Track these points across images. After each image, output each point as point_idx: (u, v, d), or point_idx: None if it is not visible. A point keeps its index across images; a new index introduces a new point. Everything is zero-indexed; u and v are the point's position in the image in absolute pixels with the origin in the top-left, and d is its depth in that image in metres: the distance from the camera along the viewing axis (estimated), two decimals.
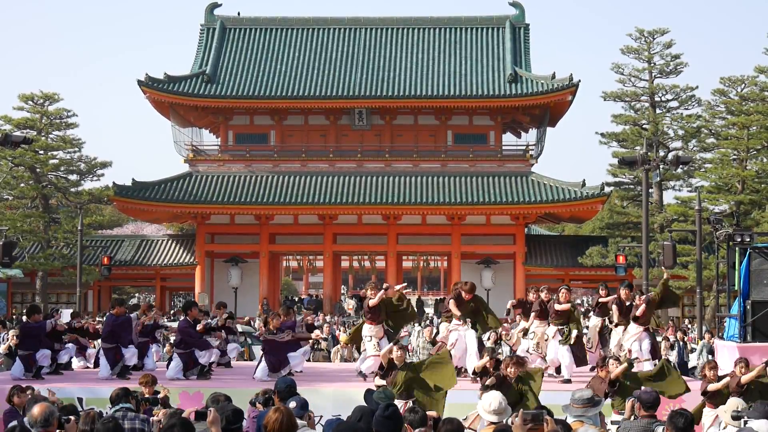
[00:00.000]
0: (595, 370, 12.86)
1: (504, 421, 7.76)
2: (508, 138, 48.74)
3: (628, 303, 16.53)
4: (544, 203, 42.50)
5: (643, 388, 11.20)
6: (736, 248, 16.46)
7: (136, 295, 58.84)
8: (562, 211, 43.72)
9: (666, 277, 16.85)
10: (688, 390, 13.08)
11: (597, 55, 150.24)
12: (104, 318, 20.03)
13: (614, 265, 39.61)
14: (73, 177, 44.00)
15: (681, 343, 25.08)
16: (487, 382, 11.65)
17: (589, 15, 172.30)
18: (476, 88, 44.81)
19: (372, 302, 15.46)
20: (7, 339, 20.80)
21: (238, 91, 45.01)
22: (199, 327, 16.31)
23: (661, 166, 30.19)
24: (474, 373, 14.26)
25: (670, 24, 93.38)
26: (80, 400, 13.92)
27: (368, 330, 15.72)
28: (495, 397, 7.95)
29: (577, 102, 70.00)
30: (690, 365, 24.09)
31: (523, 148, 46.24)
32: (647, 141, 35.84)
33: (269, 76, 46.02)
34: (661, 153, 39.98)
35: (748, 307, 15.56)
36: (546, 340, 16.24)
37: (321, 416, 13.17)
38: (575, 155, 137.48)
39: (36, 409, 7.00)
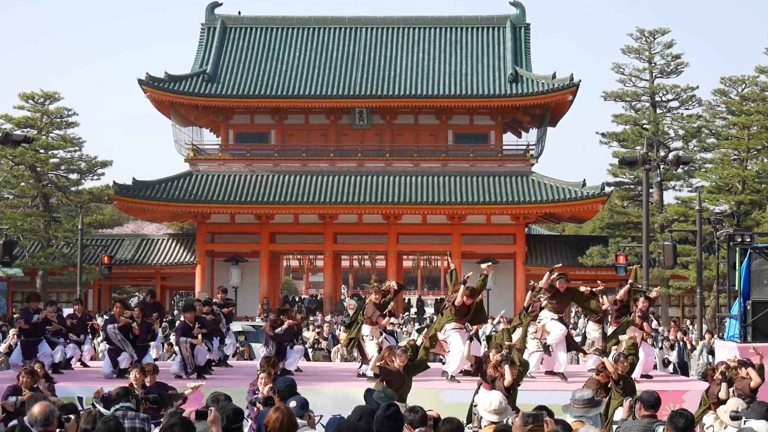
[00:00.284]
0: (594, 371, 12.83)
1: (504, 420, 7.76)
2: (508, 138, 48.78)
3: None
4: (544, 203, 42.50)
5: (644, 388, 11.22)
6: (737, 248, 16.45)
7: (137, 294, 58.85)
8: (563, 211, 43.72)
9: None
10: None
11: (597, 55, 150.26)
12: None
13: (614, 265, 39.60)
14: (74, 176, 44.02)
15: (681, 343, 25.09)
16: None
17: (590, 15, 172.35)
18: (477, 87, 44.81)
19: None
20: (8, 338, 20.81)
21: (239, 91, 45.02)
22: (194, 331, 16.30)
23: (661, 166, 30.20)
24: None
25: (671, 24, 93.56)
26: (80, 399, 13.92)
27: (368, 330, 15.85)
28: (495, 397, 7.96)
29: (577, 102, 70.09)
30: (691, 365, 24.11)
31: (524, 147, 46.25)
32: (648, 141, 35.80)
33: (270, 75, 46.03)
34: (662, 153, 39.92)
35: (749, 307, 15.55)
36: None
37: (321, 416, 13.19)
38: (575, 155, 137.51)
39: (36, 408, 7.01)
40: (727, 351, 15.75)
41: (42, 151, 42.53)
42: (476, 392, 12.56)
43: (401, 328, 30.29)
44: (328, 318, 35.67)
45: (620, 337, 15.74)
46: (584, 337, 18.82)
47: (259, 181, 44.32)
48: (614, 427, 10.51)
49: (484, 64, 46.26)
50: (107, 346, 16.45)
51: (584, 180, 42.44)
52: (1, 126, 41.25)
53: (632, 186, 45.44)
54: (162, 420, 8.81)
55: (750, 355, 13.73)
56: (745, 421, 8.39)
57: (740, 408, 8.98)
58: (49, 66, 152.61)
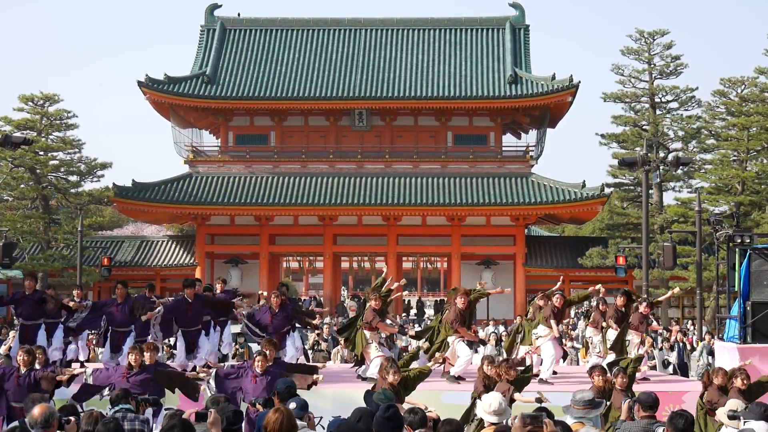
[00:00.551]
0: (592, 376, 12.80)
1: (504, 422, 7.76)
2: (508, 139, 48.80)
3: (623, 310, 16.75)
4: (544, 204, 42.51)
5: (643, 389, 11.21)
6: (736, 249, 16.43)
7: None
8: (562, 212, 43.72)
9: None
10: None
11: (597, 56, 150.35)
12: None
13: (614, 266, 39.62)
14: (73, 178, 44.02)
15: (681, 344, 25.09)
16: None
17: (589, 16, 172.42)
18: (476, 89, 44.83)
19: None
20: (8, 340, 20.78)
21: (239, 92, 45.03)
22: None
23: (661, 167, 30.24)
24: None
25: (670, 25, 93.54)
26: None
27: (369, 336, 15.91)
28: (495, 398, 7.96)
29: (577, 103, 70.05)
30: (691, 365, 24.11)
31: (523, 149, 46.25)
32: (647, 142, 35.81)
33: (269, 77, 46.05)
34: (661, 154, 39.96)
35: (748, 308, 15.54)
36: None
37: (321, 417, 13.18)
38: (575, 156, 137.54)
39: (36, 410, 7.01)
40: (726, 352, 15.75)
41: (41, 153, 42.52)
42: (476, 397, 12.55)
43: (403, 331, 30.21)
44: (327, 320, 35.63)
45: (627, 338, 15.85)
46: (586, 342, 18.85)
47: (258, 182, 44.33)
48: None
49: (483, 66, 46.28)
50: (109, 327, 16.38)
51: (584, 181, 42.45)
52: (0, 128, 41.25)
53: (632, 187, 45.46)
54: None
55: (749, 360, 13.74)
56: (744, 422, 8.38)
57: (738, 408, 8.97)
58: (48, 67, 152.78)
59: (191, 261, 45.06)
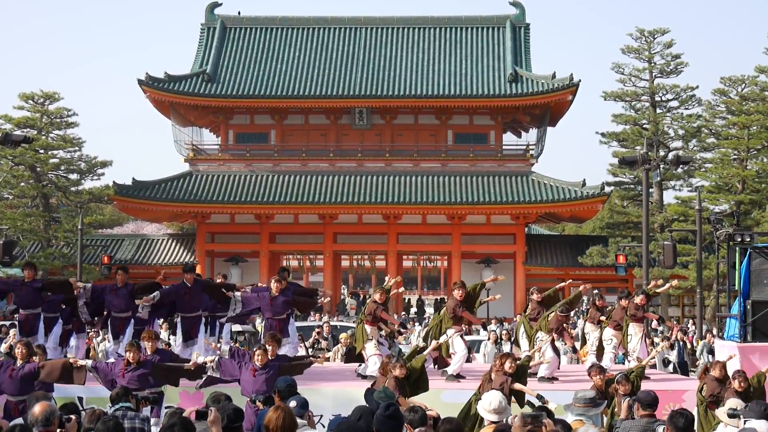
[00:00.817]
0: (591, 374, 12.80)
1: (504, 420, 7.76)
2: (508, 138, 48.81)
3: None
4: (544, 203, 42.51)
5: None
6: (737, 248, 16.43)
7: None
8: (563, 210, 43.73)
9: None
10: None
11: (597, 54, 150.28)
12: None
13: (614, 265, 39.60)
14: (74, 176, 44.04)
15: (681, 343, 25.10)
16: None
17: (590, 15, 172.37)
18: (477, 87, 44.83)
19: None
20: (8, 339, 20.79)
21: (239, 91, 45.03)
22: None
23: (661, 166, 30.20)
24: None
25: (671, 24, 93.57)
26: (80, 399, 13.90)
27: (369, 331, 15.85)
28: (495, 397, 7.96)
29: (577, 102, 70.11)
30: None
31: (524, 147, 46.27)
32: (647, 141, 35.82)
33: (270, 75, 46.05)
34: (662, 153, 39.96)
35: (749, 306, 15.52)
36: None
37: (321, 415, 13.20)
38: (575, 155, 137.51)
39: (37, 408, 7.02)
40: (727, 351, 15.73)
41: (42, 151, 42.53)
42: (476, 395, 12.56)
43: (404, 326, 30.25)
44: (326, 318, 35.65)
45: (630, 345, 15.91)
46: (583, 338, 18.84)
47: (259, 181, 44.34)
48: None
49: (483, 64, 46.28)
50: (111, 315, 16.38)
51: (584, 180, 42.47)
52: (0, 126, 41.26)
53: (632, 186, 45.46)
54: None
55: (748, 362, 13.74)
56: (745, 421, 8.38)
57: (738, 407, 8.97)
58: (49, 66, 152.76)
59: (191, 259, 45.05)
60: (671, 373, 22.33)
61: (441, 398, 13.68)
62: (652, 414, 8.84)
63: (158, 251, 46.51)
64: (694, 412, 11.70)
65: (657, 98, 44.12)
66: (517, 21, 48.01)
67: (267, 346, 12.53)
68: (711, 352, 22.36)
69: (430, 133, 46.63)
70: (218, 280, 18.34)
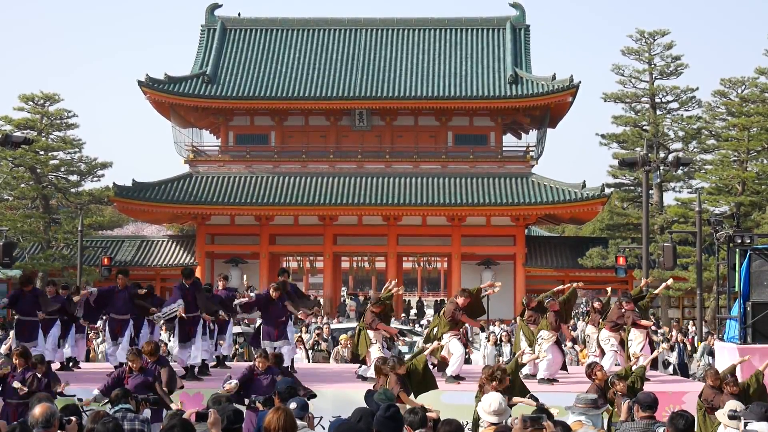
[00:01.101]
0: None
1: (504, 422, 7.77)
2: (508, 139, 48.81)
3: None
4: (544, 204, 42.51)
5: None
6: (737, 250, 16.42)
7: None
8: (563, 212, 43.72)
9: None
10: None
11: (597, 56, 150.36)
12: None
13: (614, 267, 39.61)
14: (74, 177, 44.02)
15: (681, 344, 25.11)
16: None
17: (589, 16, 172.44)
18: (477, 89, 44.84)
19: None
20: (8, 340, 20.79)
21: (239, 92, 45.05)
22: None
23: (661, 168, 30.23)
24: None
25: (671, 25, 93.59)
26: (80, 400, 13.90)
27: (372, 336, 15.95)
28: (495, 398, 7.96)
29: (577, 103, 70.13)
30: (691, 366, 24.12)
31: (524, 149, 46.26)
32: (647, 142, 35.83)
33: (270, 76, 46.06)
34: (662, 154, 39.97)
35: (748, 308, 15.52)
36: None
37: (321, 417, 13.20)
38: (575, 156, 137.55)
39: (37, 410, 7.01)
40: (726, 352, 15.75)
41: (42, 152, 42.53)
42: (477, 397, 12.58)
43: (403, 333, 30.22)
44: (326, 320, 35.63)
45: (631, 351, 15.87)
46: (584, 341, 18.87)
47: (259, 182, 44.34)
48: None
49: (483, 66, 46.29)
50: (110, 317, 16.42)
51: (584, 181, 42.46)
52: (0, 128, 41.25)
53: (632, 187, 45.46)
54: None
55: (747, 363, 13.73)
56: (746, 423, 8.38)
57: (738, 409, 8.97)
58: (49, 66, 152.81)
59: (191, 261, 45.04)
60: (671, 374, 22.34)
61: (441, 399, 13.69)
62: (652, 415, 8.85)
63: (158, 253, 46.51)
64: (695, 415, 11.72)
65: (657, 100, 44.12)
66: (517, 22, 48.02)
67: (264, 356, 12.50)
68: (711, 354, 22.35)
69: (430, 134, 46.63)
70: (219, 283, 18.32)
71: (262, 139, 46.88)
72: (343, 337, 22.22)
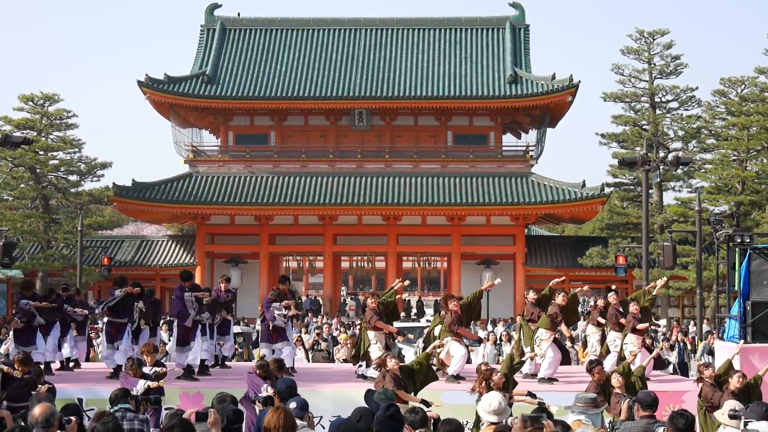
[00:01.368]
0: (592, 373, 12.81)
1: (504, 421, 7.76)
2: (508, 139, 48.80)
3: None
4: (544, 204, 42.51)
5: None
6: (736, 249, 16.45)
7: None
8: (562, 211, 43.72)
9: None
10: None
11: (597, 55, 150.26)
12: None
13: (614, 266, 39.61)
14: (73, 177, 44.00)
15: (681, 344, 25.10)
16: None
17: (589, 15, 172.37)
18: (476, 88, 44.83)
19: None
20: (8, 340, 20.79)
21: (239, 92, 45.04)
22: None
23: (661, 167, 30.23)
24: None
25: (670, 25, 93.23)
26: (80, 400, 13.90)
27: (373, 336, 15.94)
28: (495, 398, 7.95)
29: (577, 103, 69.99)
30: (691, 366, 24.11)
31: (523, 148, 46.26)
32: (647, 142, 35.83)
33: (269, 76, 46.05)
34: (661, 154, 39.99)
35: (748, 308, 15.54)
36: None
37: (320, 417, 13.20)
38: (575, 156, 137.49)
39: (37, 410, 7.01)
40: (726, 352, 15.74)
41: (41, 152, 42.51)
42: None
43: (402, 332, 30.21)
44: (325, 319, 35.65)
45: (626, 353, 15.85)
46: (585, 340, 18.85)
47: (258, 182, 44.33)
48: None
49: (483, 65, 46.28)
50: (107, 319, 16.43)
51: (584, 181, 42.45)
52: (0, 128, 41.24)
53: (632, 187, 45.46)
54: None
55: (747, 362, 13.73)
56: (746, 423, 8.37)
57: (738, 408, 8.97)
58: (49, 66, 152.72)
59: (191, 261, 45.04)
60: (671, 374, 22.33)
61: (441, 399, 13.69)
62: (652, 415, 8.85)
63: (158, 252, 46.50)
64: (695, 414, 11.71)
65: (657, 99, 44.12)
66: (517, 22, 48.02)
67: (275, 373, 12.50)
68: (711, 353, 22.35)
69: (430, 134, 46.63)
70: (222, 285, 18.21)
71: (261, 139, 46.87)
72: (342, 336, 22.24)
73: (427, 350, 13.65)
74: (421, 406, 9.85)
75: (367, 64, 46.72)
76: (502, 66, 46.00)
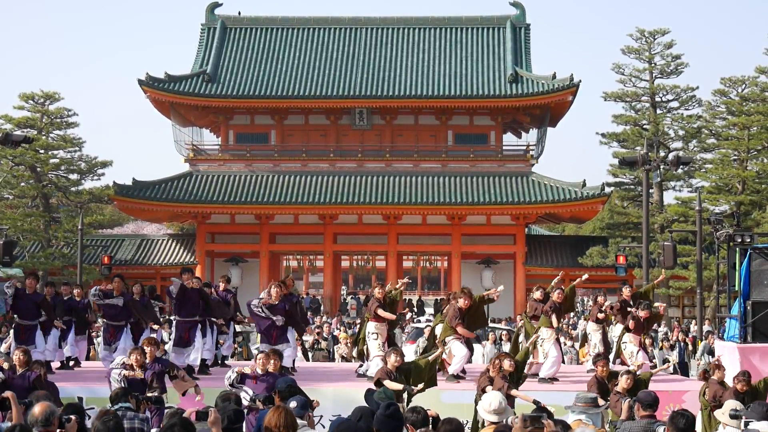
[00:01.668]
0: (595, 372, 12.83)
1: (504, 421, 7.76)
2: (508, 138, 48.79)
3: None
4: (544, 203, 42.50)
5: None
6: (737, 249, 16.42)
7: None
8: (563, 211, 43.72)
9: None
10: None
11: (597, 55, 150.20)
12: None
13: (614, 266, 39.59)
14: (74, 176, 44.01)
15: (681, 343, 25.11)
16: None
17: (590, 15, 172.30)
18: (477, 88, 44.82)
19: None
20: (8, 339, 20.78)
21: (239, 91, 45.02)
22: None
23: (661, 167, 30.22)
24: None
25: (671, 24, 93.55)
26: (80, 399, 13.90)
27: (374, 327, 15.77)
28: (495, 397, 7.95)
29: (577, 102, 70.15)
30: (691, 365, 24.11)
31: (524, 148, 46.26)
32: (648, 141, 35.82)
33: (270, 75, 46.04)
34: (662, 153, 39.96)
35: (749, 307, 15.51)
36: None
37: (321, 416, 13.20)
38: (576, 155, 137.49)
39: (37, 409, 7.00)
40: (727, 351, 15.74)
41: (42, 151, 42.52)
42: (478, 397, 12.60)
43: (402, 318, 30.19)
44: (325, 318, 35.66)
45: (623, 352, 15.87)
46: (584, 338, 18.85)
47: (259, 181, 44.33)
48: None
49: (484, 65, 46.26)
50: (103, 321, 16.46)
51: (584, 180, 42.46)
52: (1, 126, 41.24)
53: (632, 186, 45.44)
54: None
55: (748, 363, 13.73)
56: (747, 422, 8.37)
57: (739, 408, 8.96)
58: (49, 66, 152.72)
59: (191, 259, 45.03)
60: (671, 373, 22.34)
61: (441, 399, 13.70)
62: (653, 414, 8.84)
63: (158, 251, 46.51)
64: (697, 414, 11.72)
65: (657, 99, 44.11)
66: (518, 21, 48.00)
67: (270, 358, 12.43)
68: (711, 353, 22.35)
69: (431, 133, 46.61)
70: (221, 284, 18.22)
71: (262, 138, 46.86)
72: (342, 335, 22.24)
73: (431, 357, 13.42)
74: (418, 404, 9.83)
75: (368, 63, 46.71)
76: (502, 65, 45.98)
